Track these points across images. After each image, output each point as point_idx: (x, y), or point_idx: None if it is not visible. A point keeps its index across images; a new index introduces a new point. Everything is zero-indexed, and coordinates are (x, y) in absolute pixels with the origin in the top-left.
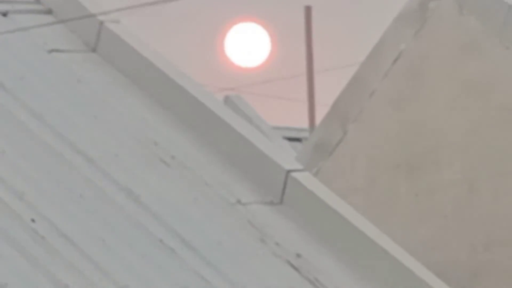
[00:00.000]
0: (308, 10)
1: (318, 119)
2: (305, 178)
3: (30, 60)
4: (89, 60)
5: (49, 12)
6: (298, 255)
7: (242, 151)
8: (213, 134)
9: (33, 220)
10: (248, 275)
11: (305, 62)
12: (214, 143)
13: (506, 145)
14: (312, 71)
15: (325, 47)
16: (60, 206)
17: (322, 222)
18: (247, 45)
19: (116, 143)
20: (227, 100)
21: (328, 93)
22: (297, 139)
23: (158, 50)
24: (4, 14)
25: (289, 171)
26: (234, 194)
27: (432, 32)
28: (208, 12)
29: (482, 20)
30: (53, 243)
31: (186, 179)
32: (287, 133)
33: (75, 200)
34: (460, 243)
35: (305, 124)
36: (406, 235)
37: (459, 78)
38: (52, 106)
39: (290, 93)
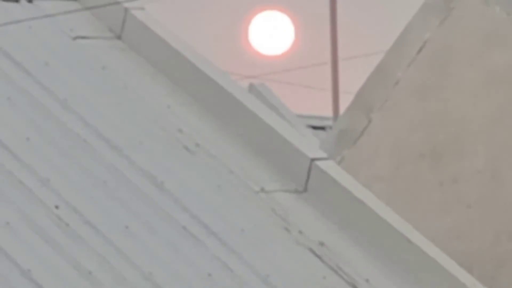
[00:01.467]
0: None
1: (342, 107)
2: (329, 167)
3: (55, 46)
4: (114, 47)
5: None
6: (321, 243)
7: (267, 139)
8: (238, 122)
9: (57, 207)
10: (271, 263)
11: (329, 50)
12: (239, 131)
13: None
14: (337, 59)
15: (350, 35)
16: (84, 192)
17: (345, 211)
18: (272, 33)
19: (141, 130)
20: (251, 88)
21: (352, 82)
22: (321, 128)
23: (182, 37)
24: (30, 1)
25: (313, 160)
26: (258, 182)
27: (457, 21)
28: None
29: (507, 9)
30: (76, 230)
31: (210, 166)
32: (311, 122)
33: (99, 187)
34: (484, 233)
35: (329, 112)
36: (429, 224)
37: (483, 68)
38: (76, 92)
39: (314, 81)
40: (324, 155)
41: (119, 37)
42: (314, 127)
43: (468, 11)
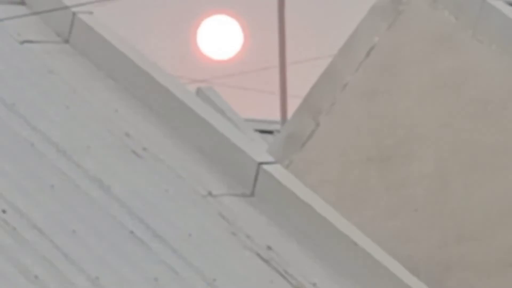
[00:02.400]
0: (281, 1)
1: (290, 111)
2: (277, 171)
3: (2, 50)
4: (62, 51)
5: (22, 3)
6: (269, 248)
7: (214, 143)
8: (185, 126)
9: (4, 211)
10: (218, 267)
11: (277, 54)
12: (186, 135)
13: (478, 138)
14: (285, 63)
15: (298, 39)
16: (31, 197)
17: (293, 215)
18: (220, 37)
19: (88, 134)
20: (199, 92)
21: (300, 85)
22: (269, 132)
23: (131, 41)
24: None
25: (260, 164)
26: (206, 186)
27: (406, 25)
28: (181, 4)
29: (455, 13)
30: (23, 234)
31: (157, 170)
32: (259, 126)
33: (46, 191)
34: (432, 237)
35: (277, 116)
36: (377, 228)
37: (432, 72)
38: (24, 96)
39: (262, 85)
40: (271, 159)
41: (66, 41)
42: (262, 131)
43: (417, 15)
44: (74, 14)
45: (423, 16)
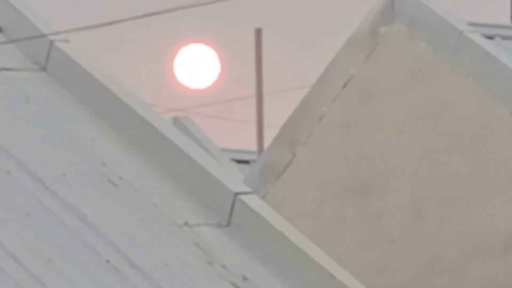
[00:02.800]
0: (258, 32)
1: (267, 141)
2: (253, 201)
3: None
4: (39, 79)
5: None
6: (244, 278)
7: (190, 172)
8: (162, 155)
9: None
10: None
11: (254, 83)
12: (163, 164)
13: (454, 171)
14: (262, 93)
15: (275, 69)
16: (7, 225)
17: (269, 245)
18: (197, 66)
19: (64, 162)
20: (175, 121)
21: (277, 116)
22: (246, 162)
23: (107, 70)
24: None
25: (236, 194)
26: (182, 215)
27: (383, 57)
28: (158, 33)
29: (432, 46)
30: None
31: (133, 199)
32: (236, 155)
33: (22, 219)
34: (407, 268)
35: (254, 146)
36: (353, 259)
37: (408, 104)
38: (0, 124)
39: (239, 114)
40: (248, 189)
41: (44, 69)
42: (239, 161)
43: (394, 47)
44: (51, 42)
45: (400, 48)
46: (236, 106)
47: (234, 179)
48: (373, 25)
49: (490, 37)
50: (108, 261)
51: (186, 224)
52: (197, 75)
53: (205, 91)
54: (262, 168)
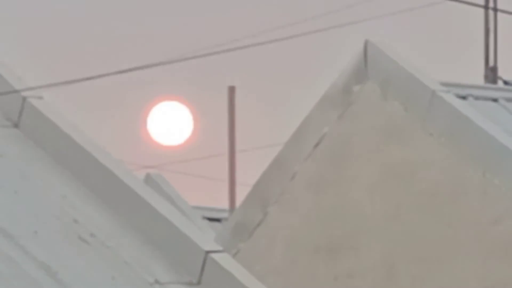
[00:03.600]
0: (231, 89)
1: (239, 199)
2: (224, 260)
3: None
4: (11, 135)
5: None
6: None
7: (161, 230)
8: (133, 212)
9: None
10: None
11: (227, 141)
12: (134, 222)
13: (426, 230)
14: (234, 151)
15: (248, 127)
16: None
17: None
18: (170, 123)
19: (36, 219)
20: (148, 177)
21: (249, 174)
22: (217, 220)
23: (80, 126)
24: None
25: (208, 252)
26: (153, 273)
27: (356, 115)
28: (132, 90)
29: (405, 105)
30: None
31: (105, 257)
32: (207, 213)
33: None
34: None
35: (225, 204)
36: None
37: (380, 163)
38: None
39: (211, 172)
40: (219, 247)
41: (16, 126)
42: (210, 219)
43: (367, 106)
44: (24, 98)
45: (373, 107)
46: (209, 164)
47: (205, 237)
48: (347, 84)
49: (463, 97)
50: None
51: (156, 282)
52: (170, 132)
53: (178, 148)
54: (234, 226)
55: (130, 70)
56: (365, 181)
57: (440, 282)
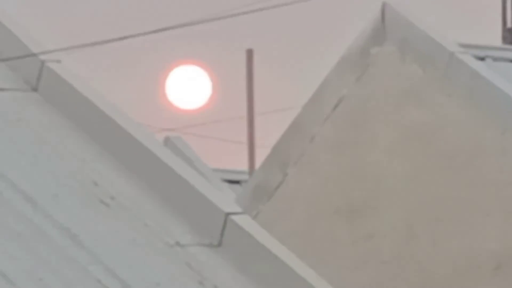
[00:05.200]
0: (249, 53)
1: (258, 161)
2: (244, 221)
3: None
4: (30, 99)
5: None
6: None
7: (181, 192)
8: (153, 175)
9: None
10: None
11: (246, 104)
12: (154, 184)
13: (445, 191)
14: (253, 113)
15: (266, 89)
16: None
17: (260, 265)
18: (189, 87)
19: (56, 182)
20: (167, 141)
21: (268, 136)
22: (237, 182)
23: (99, 90)
24: None
25: (228, 214)
26: (173, 235)
27: (374, 78)
28: (150, 54)
29: (423, 67)
30: None
31: (125, 220)
32: (227, 176)
33: (13, 239)
34: None
35: (245, 166)
36: (344, 279)
37: (399, 124)
38: None
39: (231, 135)
40: (239, 209)
41: (35, 89)
42: (230, 181)
43: (385, 68)
44: (42, 62)
45: (392, 69)
46: (228, 127)
47: (225, 199)
48: (364, 46)
49: (481, 58)
50: (99, 280)
51: (177, 244)
52: (189, 96)
53: (197, 111)
54: (254, 188)
55: (148, 33)
56: (384, 142)
57: (459, 242)
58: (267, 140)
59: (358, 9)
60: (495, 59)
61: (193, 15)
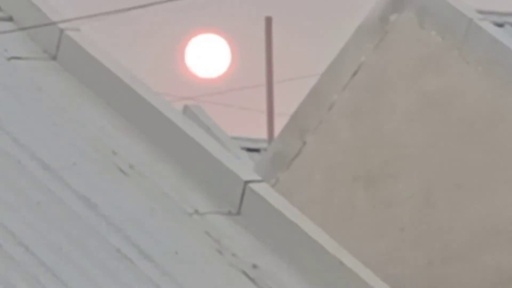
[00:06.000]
0: (268, 20)
1: (277, 129)
2: (263, 189)
3: None
4: (49, 68)
5: (9, 19)
6: (255, 266)
7: (200, 161)
8: (171, 143)
9: None
10: (204, 285)
11: (264, 72)
12: (172, 153)
13: (464, 158)
14: (272, 82)
15: (285, 58)
16: (17, 213)
17: (279, 234)
18: (208, 55)
19: (75, 151)
20: (186, 109)
21: (287, 104)
22: (256, 150)
23: (118, 59)
24: None
25: (247, 182)
26: (192, 204)
27: (392, 45)
28: (169, 23)
29: (442, 33)
30: (9, 251)
31: (143, 188)
32: (246, 144)
33: (32, 208)
34: (417, 256)
35: (264, 134)
36: (363, 247)
37: (418, 92)
38: (11, 113)
39: (250, 103)
40: (258, 177)
41: (54, 58)
42: (249, 149)
43: (403, 35)
44: (61, 31)
45: (410, 36)
46: (247, 95)
47: (244, 168)
48: (383, 13)
49: (500, 25)
50: (118, 249)
51: (196, 212)
52: (208, 64)
53: (216, 80)
54: (273, 156)
55: (167, 1)
56: (403, 110)
57: (478, 209)
58: (286, 108)
59: None
60: None
61: None
